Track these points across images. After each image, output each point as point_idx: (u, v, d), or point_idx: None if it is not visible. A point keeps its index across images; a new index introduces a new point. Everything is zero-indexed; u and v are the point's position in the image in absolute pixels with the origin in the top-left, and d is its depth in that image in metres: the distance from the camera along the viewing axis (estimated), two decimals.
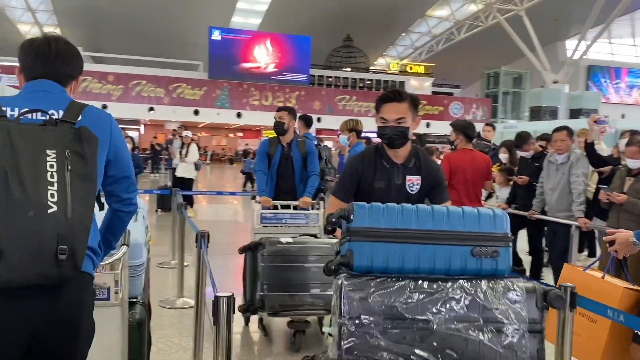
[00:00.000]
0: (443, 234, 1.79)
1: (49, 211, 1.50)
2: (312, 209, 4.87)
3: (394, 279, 1.73)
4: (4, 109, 1.65)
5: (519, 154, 5.90)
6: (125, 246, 2.30)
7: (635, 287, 2.59)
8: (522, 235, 5.92)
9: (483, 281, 1.76)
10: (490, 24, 32.99)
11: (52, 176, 1.53)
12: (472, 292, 1.73)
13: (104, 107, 25.83)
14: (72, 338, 1.68)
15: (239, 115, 29.22)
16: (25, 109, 1.66)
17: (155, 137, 28.61)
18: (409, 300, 1.69)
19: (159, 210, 10.55)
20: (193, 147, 9.84)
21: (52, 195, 1.51)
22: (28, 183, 1.49)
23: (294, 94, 29.62)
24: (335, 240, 3.58)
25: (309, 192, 4.83)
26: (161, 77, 28.08)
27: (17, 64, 1.86)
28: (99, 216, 1.87)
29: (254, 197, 4.86)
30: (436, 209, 1.86)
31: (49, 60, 1.79)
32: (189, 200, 10.37)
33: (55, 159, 1.55)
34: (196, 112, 28.14)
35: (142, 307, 2.67)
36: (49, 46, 1.80)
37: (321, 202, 4.96)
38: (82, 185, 1.58)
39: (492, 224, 1.83)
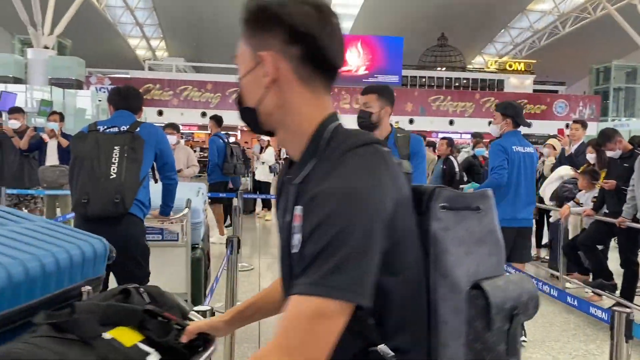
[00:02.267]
0: None
1: (111, 178, 2.94)
2: None
3: None
4: (98, 127, 3.14)
5: (607, 154, 5.25)
6: (187, 209, 3.83)
7: None
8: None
9: None
10: (599, 15, 30.66)
11: (114, 160, 2.98)
12: None
13: (203, 114, 26.99)
14: (127, 250, 2.82)
15: None
16: (106, 126, 3.14)
17: (246, 142, 29.45)
18: None
19: None
20: (269, 150, 9.94)
21: (114, 170, 2.96)
22: (102, 164, 2.95)
23: None
24: None
25: None
26: None
27: (109, 95, 3.47)
28: (155, 187, 3.35)
29: None
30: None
31: (128, 100, 3.34)
32: (268, 204, 10.45)
33: (118, 151, 3.00)
34: None
35: (201, 250, 4.10)
36: (128, 92, 3.39)
37: None
38: (132, 165, 3.01)
39: None
